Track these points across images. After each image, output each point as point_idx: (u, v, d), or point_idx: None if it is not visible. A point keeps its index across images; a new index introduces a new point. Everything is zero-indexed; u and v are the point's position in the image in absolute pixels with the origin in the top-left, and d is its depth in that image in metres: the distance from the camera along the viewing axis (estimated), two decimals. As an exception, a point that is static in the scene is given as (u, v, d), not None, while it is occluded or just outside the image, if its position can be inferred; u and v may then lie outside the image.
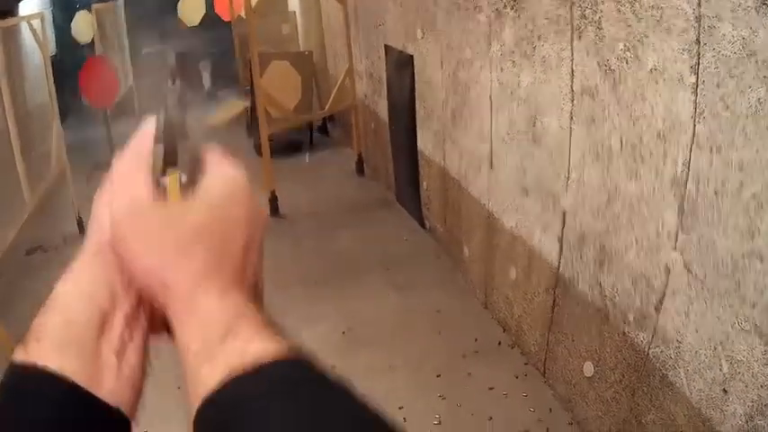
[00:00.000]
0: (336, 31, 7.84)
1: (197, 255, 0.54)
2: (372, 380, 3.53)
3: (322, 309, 4.55)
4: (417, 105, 5.38)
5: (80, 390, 0.50)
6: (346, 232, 5.84)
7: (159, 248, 0.54)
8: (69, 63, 10.10)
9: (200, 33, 13.01)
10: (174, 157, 0.59)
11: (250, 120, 9.17)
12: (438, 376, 3.74)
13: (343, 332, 4.27)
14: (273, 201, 6.34)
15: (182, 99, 0.65)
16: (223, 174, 0.60)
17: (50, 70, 6.63)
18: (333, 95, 7.36)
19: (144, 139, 0.62)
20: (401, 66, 5.55)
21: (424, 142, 5.36)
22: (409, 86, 5.42)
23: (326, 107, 7.59)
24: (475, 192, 4.37)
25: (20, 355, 0.51)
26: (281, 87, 7.52)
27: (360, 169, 7.42)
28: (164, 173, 0.58)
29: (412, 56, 5.28)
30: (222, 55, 12.77)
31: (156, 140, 0.61)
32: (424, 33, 4.96)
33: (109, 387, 0.52)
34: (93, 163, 9.21)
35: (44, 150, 6.58)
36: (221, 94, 13.45)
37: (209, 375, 0.48)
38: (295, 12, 10.60)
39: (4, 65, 5.47)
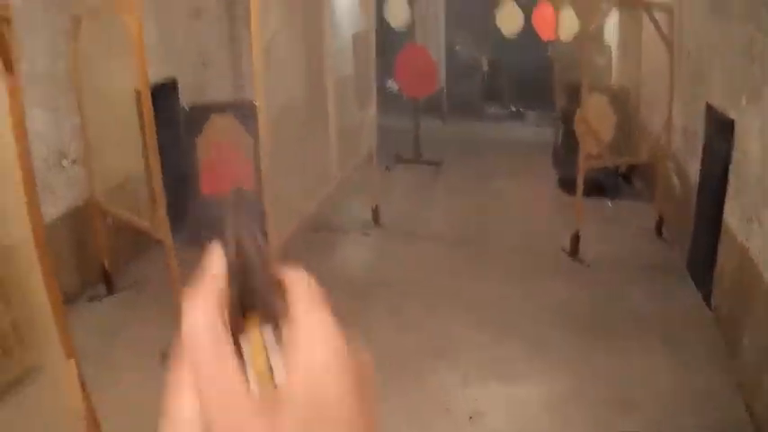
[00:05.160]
0: (656, 75, 7.79)
1: None
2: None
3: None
4: (730, 175, 5.27)
5: None
6: (634, 292, 6.07)
7: None
8: (380, 45, 10.47)
9: (515, 47, 13.19)
10: (251, 298, 0.50)
11: (561, 152, 9.37)
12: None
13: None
14: (575, 241, 6.73)
15: (251, 214, 0.54)
16: (319, 347, 0.48)
17: (373, 49, 7.34)
18: (648, 144, 7.38)
19: (214, 283, 0.50)
20: (720, 129, 5.48)
21: (731, 216, 5.23)
22: (725, 153, 5.32)
23: (638, 154, 7.57)
24: (771, 281, 4.23)
25: None
26: (595, 124, 7.57)
27: (658, 229, 7.37)
28: (241, 324, 0.50)
29: (733, 121, 5.18)
30: (535, 72, 13.04)
31: (229, 278, 0.50)
32: (748, 101, 4.86)
33: None
34: (394, 155, 9.74)
35: (353, 128, 7.29)
36: (528, 114, 13.80)
37: None
38: (610, 45, 10.60)
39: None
